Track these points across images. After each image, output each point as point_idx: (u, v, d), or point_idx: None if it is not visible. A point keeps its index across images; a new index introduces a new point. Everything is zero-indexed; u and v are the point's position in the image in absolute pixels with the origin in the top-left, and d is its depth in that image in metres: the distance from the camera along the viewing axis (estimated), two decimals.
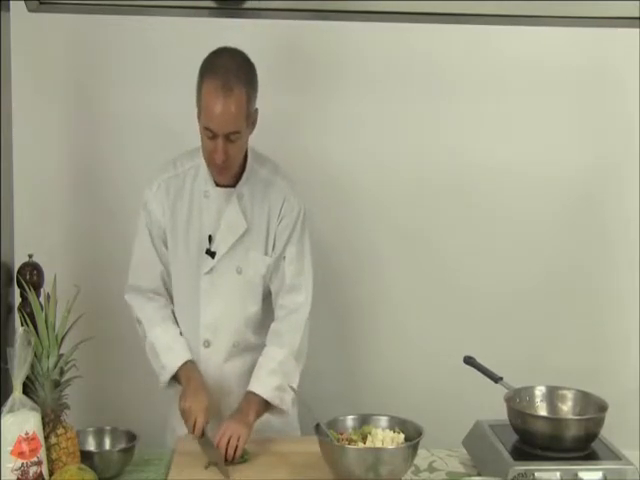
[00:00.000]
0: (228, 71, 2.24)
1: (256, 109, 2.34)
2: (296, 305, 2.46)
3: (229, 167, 2.34)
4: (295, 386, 2.39)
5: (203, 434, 2.28)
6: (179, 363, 2.41)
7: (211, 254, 2.42)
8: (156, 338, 2.45)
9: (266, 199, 2.43)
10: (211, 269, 2.43)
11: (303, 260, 2.48)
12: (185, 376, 2.39)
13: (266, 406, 2.39)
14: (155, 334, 2.45)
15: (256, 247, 2.44)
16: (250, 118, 2.31)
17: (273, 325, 2.47)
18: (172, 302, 2.51)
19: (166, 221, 2.44)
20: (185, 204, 2.43)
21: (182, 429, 2.38)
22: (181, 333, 2.47)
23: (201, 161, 2.41)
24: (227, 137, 2.25)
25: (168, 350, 2.43)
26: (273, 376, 2.39)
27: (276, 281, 2.47)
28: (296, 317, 2.46)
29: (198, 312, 2.46)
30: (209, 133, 2.26)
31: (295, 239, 2.46)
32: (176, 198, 2.44)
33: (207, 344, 2.47)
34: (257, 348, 2.47)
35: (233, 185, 2.42)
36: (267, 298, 2.50)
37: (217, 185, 2.41)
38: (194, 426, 2.28)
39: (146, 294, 2.49)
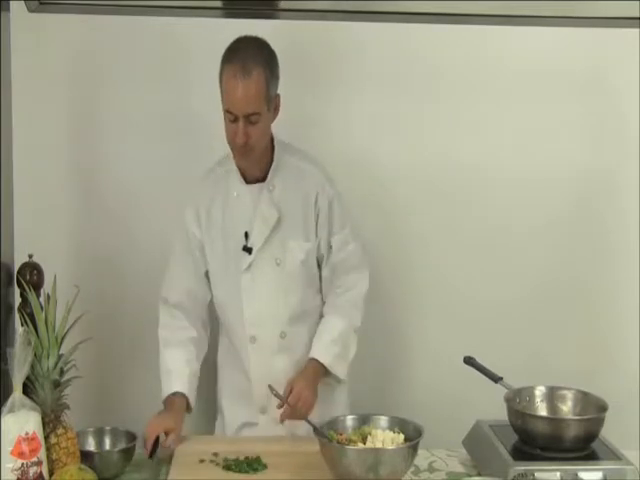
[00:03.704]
0: (246, 54, 2.30)
1: (278, 95, 2.37)
2: (353, 283, 2.52)
3: (251, 150, 2.36)
4: (351, 356, 2.50)
5: (152, 454, 2.27)
6: (169, 392, 2.42)
7: (248, 250, 2.44)
8: (163, 360, 2.49)
9: (299, 186, 2.46)
10: (250, 265, 2.45)
11: (349, 242, 2.52)
12: (168, 404, 2.41)
13: (325, 373, 2.45)
14: (164, 356, 2.49)
15: (294, 235, 2.46)
16: (271, 102, 2.35)
17: (330, 299, 2.52)
18: (203, 313, 2.55)
19: (203, 234, 2.49)
20: (219, 209, 2.47)
21: (230, 415, 2.55)
22: (197, 358, 2.50)
23: (232, 166, 2.45)
24: (248, 119, 2.29)
25: (168, 375, 2.46)
26: (334, 345, 2.45)
27: (326, 269, 2.52)
28: (354, 293, 2.52)
29: (242, 309, 2.48)
30: (230, 116, 2.30)
31: (337, 226, 2.50)
32: (210, 206, 2.48)
33: (253, 340, 2.49)
34: (304, 343, 2.49)
35: (263, 180, 2.45)
36: (308, 287, 2.52)
37: (247, 182, 2.45)
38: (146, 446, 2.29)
39: (172, 310, 2.52)
